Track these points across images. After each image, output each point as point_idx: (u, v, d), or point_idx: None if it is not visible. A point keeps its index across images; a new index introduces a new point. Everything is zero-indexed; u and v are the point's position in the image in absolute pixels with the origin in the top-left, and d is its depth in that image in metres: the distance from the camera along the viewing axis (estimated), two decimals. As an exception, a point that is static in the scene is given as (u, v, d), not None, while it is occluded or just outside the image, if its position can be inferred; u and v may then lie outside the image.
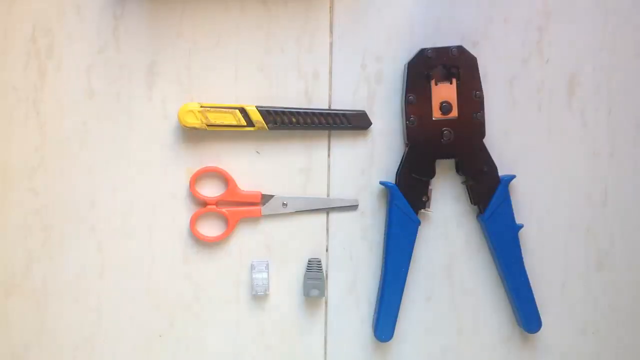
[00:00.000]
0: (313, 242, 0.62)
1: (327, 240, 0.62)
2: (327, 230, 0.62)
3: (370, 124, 0.61)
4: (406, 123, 0.59)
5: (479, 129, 0.59)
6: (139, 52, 0.60)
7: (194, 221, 0.61)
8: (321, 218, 0.62)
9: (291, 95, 0.61)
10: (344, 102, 0.61)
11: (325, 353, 0.62)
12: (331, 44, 0.61)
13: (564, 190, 0.62)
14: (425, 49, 0.58)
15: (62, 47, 0.60)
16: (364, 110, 0.61)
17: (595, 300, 0.63)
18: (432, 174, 0.59)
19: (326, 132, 0.61)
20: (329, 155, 0.62)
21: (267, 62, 0.60)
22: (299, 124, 0.60)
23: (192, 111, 0.58)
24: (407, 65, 0.59)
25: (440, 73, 0.59)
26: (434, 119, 0.59)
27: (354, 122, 0.60)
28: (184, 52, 0.60)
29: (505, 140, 0.61)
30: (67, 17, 0.60)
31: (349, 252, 0.62)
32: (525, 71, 0.61)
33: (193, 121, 0.58)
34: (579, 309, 0.62)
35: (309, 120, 0.60)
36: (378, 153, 0.61)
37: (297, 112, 0.60)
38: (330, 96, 0.61)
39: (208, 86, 0.60)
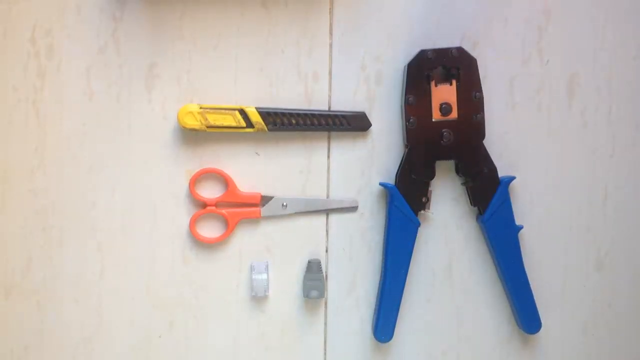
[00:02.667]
0: (313, 243, 0.62)
1: (327, 241, 0.62)
2: (327, 231, 0.62)
3: (369, 125, 0.61)
4: (406, 124, 0.59)
5: (479, 130, 0.59)
6: (138, 53, 0.60)
7: (193, 222, 0.61)
8: (321, 219, 0.62)
9: (291, 97, 0.60)
10: (343, 103, 0.61)
11: (325, 354, 0.62)
12: (331, 45, 0.61)
13: (564, 190, 0.62)
14: (425, 50, 0.58)
15: (62, 47, 0.60)
16: (363, 112, 0.60)
17: (595, 300, 0.63)
18: (431, 175, 0.59)
19: (326, 133, 0.61)
20: (328, 157, 0.62)
21: (267, 63, 0.60)
22: (298, 125, 0.59)
23: (191, 112, 0.58)
24: (406, 66, 0.59)
25: (440, 74, 0.59)
26: (433, 120, 0.59)
27: (354, 124, 0.60)
28: (183, 54, 0.60)
29: (505, 141, 0.61)
30: (67, 17, 0.60)
31: (349, 253, 0.62)
32: (525, 71, 0.61)
33: (193, 122, 0.58)
34: (579, 309, 0.63)
35: (308, 122, 0.60)
36: (378, 154, 0.61)
37: (297, 114, 0.59)
38: (329, 97, 0.61)
39: (208, 87, 0.60)
